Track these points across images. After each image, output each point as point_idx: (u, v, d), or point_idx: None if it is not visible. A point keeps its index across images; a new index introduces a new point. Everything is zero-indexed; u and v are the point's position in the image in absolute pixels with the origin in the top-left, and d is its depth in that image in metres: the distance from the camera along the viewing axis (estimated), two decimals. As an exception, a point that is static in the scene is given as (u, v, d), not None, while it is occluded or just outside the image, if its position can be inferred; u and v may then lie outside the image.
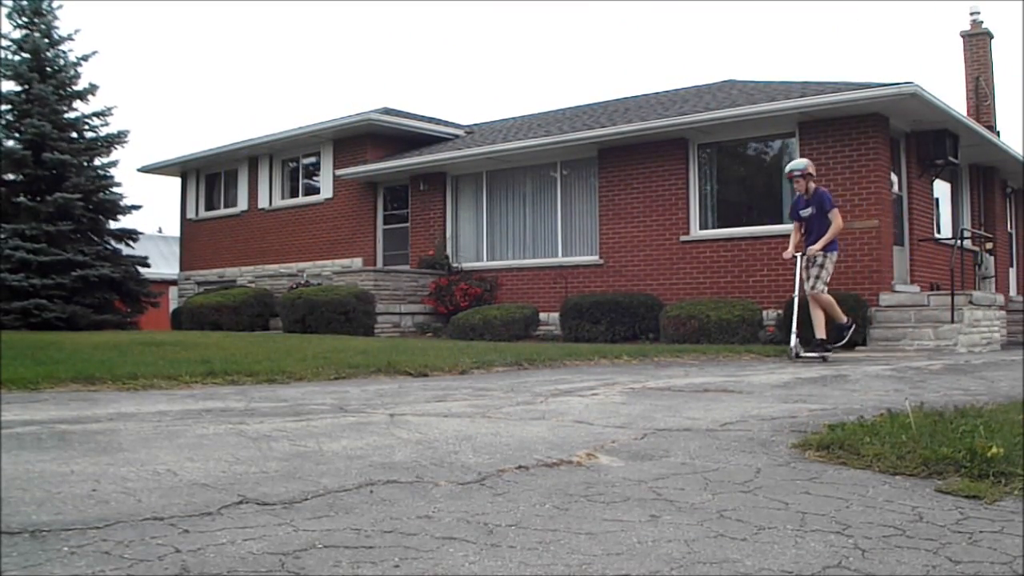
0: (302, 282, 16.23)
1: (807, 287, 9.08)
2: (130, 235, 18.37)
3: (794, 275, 9.31)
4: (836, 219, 9.04)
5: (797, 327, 8.84)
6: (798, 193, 9.31)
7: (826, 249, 9.06)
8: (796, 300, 9.07)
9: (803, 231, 9.29)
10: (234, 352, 7.74)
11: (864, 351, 10.67)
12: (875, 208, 11.59)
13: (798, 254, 9.16)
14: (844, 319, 9.17)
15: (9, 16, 17.75)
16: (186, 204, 22.13)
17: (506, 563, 1.85)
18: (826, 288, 9.09)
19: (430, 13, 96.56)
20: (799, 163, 9.33)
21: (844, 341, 9.21)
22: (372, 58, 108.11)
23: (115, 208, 17.95)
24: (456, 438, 3.39)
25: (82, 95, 18.10)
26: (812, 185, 9.21)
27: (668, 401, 4.80)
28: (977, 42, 17.17)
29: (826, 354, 8.87)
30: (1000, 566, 1.88)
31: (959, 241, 12.73)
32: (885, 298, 11.45)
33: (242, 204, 20.41)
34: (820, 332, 9.00)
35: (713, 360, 8.60)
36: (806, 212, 9.20)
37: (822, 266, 9.03)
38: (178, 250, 22.91)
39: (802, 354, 8.72)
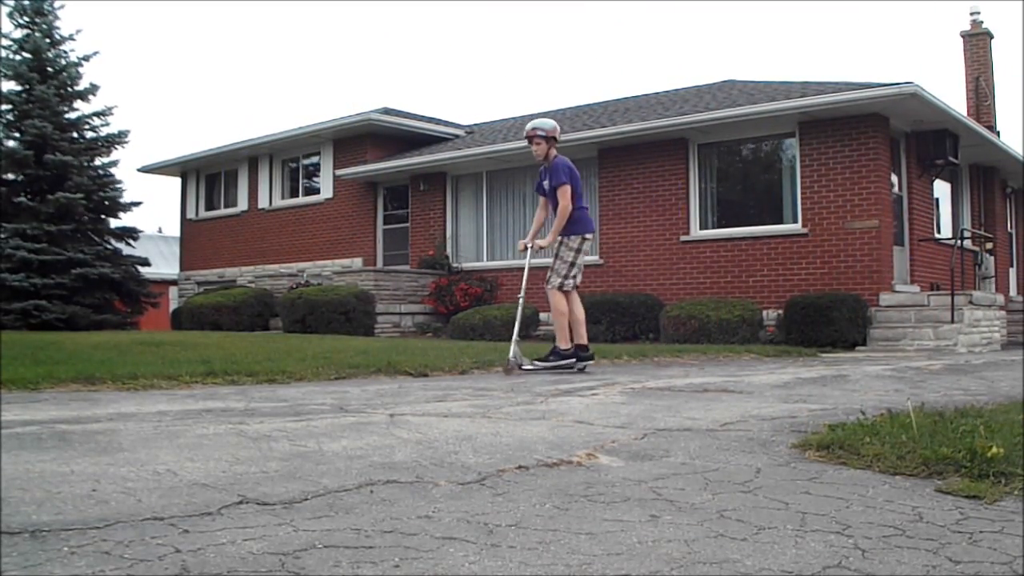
0: (302, 282, 16.23)
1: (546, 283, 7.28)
2: (130, 233, 18.37)
3: (523, 269, 7.51)
4: (563, 198, 7.07)
5: (519, 331, 7.13)
6: (540, 162, 7.44)
7: (566, 234, 7.14)
8: (521, 301, 7.40)
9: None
10: (234, 352, 7.73)
11: (864, 351, 10.68)
12: (875, 208, 11.60)
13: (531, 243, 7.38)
14: (566, 346, 7.12)
15: (10, 16, 17.77)
16: (186, 204, 22.14)
17: (506, 563, 1.84)
18: (568, 284, 7.12)
19: (430, 13, 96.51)
20: (542, 122, 7.37)
21: (551, 367, 7.01)
22: (372, 58, 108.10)
23: (115, 205, 17.96)
24: (456, 438, 3.38)
25: (83, 95, 18.10)
26: (553, 152, 7.26)
27: (668, 401, 4.80)
28: (977, 42, 17.18)
29: (563, 362, 7.02)
30: (1000, 566, 1.88)
31: (959, 241, 12.74)
32: (885, 298, 11.46)
33: (242, 204, 20.41)
34: (562, 341, 7.16)
35: (713, 360, 8.59)
36: (546, 184, 7.34)
37: (557, 255, 7.19)
38: (178, 250, 22.93)
39: (525, 366, 6.92)
